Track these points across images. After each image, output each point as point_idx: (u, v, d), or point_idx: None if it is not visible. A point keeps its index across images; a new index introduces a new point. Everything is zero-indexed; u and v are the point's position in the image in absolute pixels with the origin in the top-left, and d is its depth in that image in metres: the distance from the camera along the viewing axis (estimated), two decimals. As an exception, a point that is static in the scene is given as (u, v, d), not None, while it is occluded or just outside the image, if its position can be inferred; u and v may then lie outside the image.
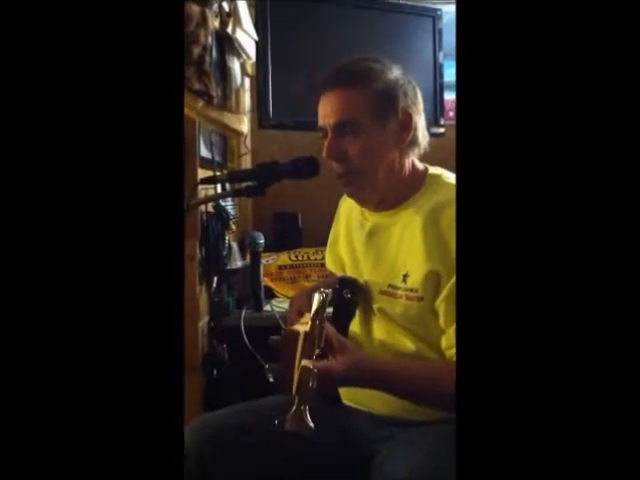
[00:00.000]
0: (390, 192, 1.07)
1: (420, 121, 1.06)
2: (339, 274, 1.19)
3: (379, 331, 1.08)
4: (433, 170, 1.09)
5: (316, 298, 0.73)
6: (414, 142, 1.05)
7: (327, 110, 1.03)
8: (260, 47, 1.78)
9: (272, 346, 0.76)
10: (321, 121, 1.05)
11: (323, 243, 2.01)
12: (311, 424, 0.69)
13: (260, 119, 1.82)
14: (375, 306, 1.07)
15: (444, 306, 0.97)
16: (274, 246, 1.97)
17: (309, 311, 1.15)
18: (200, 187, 1.40)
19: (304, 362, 0.68)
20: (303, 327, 0.73)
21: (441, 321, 0.99)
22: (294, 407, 0.68)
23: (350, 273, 1.14)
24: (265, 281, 1.78)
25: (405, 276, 1.02)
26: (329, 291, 0.72)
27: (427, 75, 1.97)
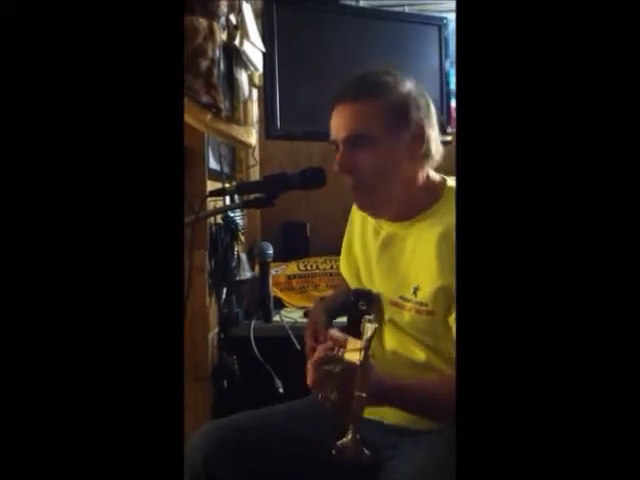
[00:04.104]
0: (403, 205, 1.06)
1: (433, 133, 1.05)
2: (352, 281, 1.19)
3: (391, 341, 1.08)
4: (452, 182, 1.08)
5: (369, 328, 0.75)
6: (427, 154, 1.05)
7: (339, 123, 1.04)
8: (267, 58, 1.79)
9: (325, 376, 0.77)
10: (333, 134, 1.05)
11: (331, 252, 2.04)
12: (367, 451, 0.71)
13: (267, 130, 1.83)
14: (386, 316, 1.07)
15: None
16: (283, 256, 1.97)
17: (327, 326, 1.15)
18: (209, 199, 1.40)
19: (357, 392, 0.69)
20: (354, 356, 0.75)
21: (455, 335, 0.97)
22: (350, 436, 0.70)
23: (364, 280, 1.14)
24: (274, 291, 1.78)
25: (416, 289, 1.01)
26: (376, 325, 0.74)
27: (433, 83, 1.97)
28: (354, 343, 0.82)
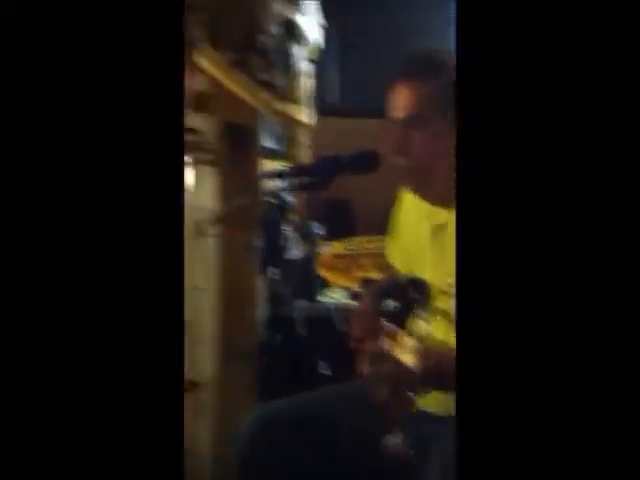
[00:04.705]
0: None
1: None
2: (402, 267, 1.17)
3: (439, 330, 1.07)
4: None
5: (425, 328, 0.75)
6: None
7: (398, 102, 1.02)
8: (325, 33, 1.75)
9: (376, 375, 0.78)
10: (391, 113, 1.03)
11: (377, 232, 2.01)
12: (412, 452, 0.72)
13: (322, 106, 1.80)
14: (435, 304, 1.05)
15: None
16: (328, 235, 1.96)
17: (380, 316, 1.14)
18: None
19: (409, 393, 0.69)
20: (408, 357, 0.75)
21: None
22: (400, 434, 0.71)
23: (415, 267, 1.12)
24: (319, 270, 1.78)
25: None
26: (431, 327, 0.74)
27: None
28: (406, 340, 0.81)
